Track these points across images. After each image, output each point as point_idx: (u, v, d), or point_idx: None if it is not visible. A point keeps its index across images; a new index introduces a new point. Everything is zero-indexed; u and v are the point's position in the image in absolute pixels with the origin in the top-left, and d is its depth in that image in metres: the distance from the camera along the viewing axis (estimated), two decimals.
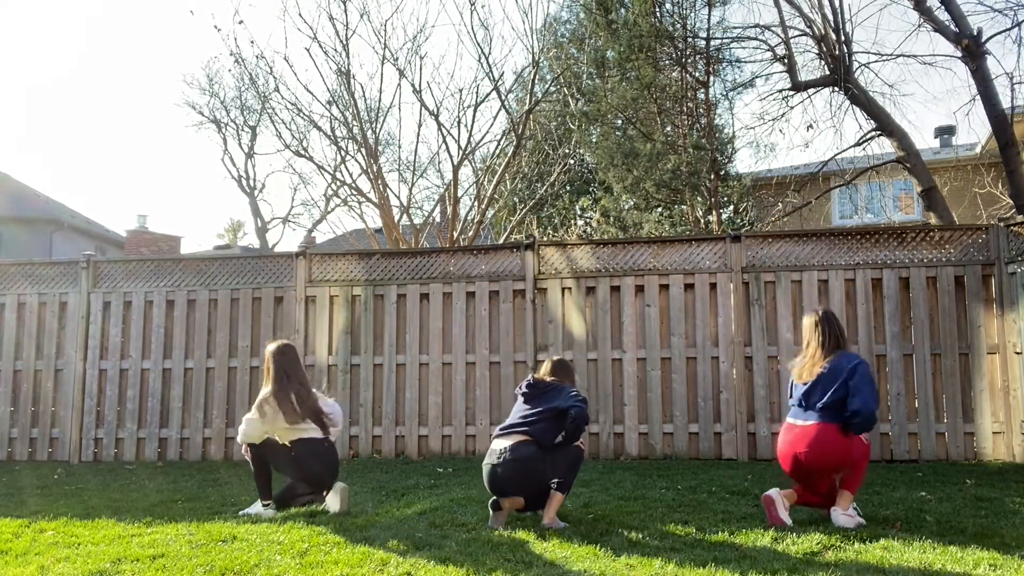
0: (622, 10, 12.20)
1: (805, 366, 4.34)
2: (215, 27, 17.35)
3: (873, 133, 9.41)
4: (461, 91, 16.67)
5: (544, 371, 4.63)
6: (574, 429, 4.30)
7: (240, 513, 4.77)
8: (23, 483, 6.32)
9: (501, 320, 7.24)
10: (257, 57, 16.09)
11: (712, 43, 11.74)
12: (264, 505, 4.82)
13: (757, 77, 12.06)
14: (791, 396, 4.45)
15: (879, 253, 6.83)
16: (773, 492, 4.23)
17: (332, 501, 4.69)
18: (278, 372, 4.83)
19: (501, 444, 4.32)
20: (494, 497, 4.26)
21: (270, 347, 4.98)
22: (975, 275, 6.65)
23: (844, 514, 4.14)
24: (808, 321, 4.46)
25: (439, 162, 18.06)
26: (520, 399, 4.54)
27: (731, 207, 13.67)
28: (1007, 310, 6.51)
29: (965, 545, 3.71)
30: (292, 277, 7.51)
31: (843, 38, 8.98)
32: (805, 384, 4.29)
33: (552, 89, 13.20)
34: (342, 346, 7.39)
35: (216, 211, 61.69)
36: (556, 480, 4.25)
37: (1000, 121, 7.91)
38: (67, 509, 4.99)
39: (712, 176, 11.94)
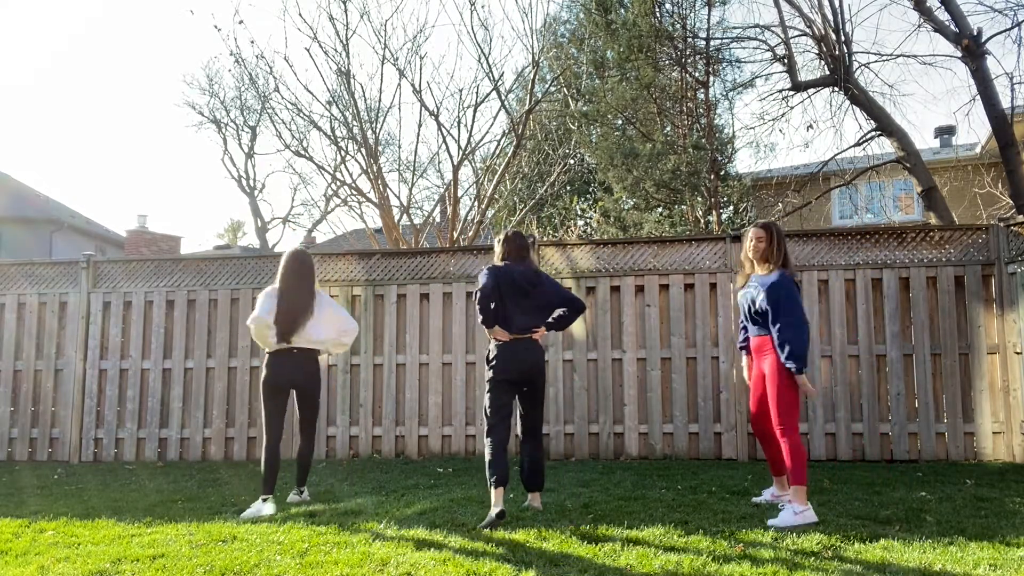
0: (622, 10, 12.21)
1: None
2: (215, 27, 17.32)
3: (873, 133, 9.41)
4: (461, 91, 16.69)
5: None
6: None
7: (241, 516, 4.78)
8: (23, 483, 6.31)
9: None
10: (257, 57, 16.01)
11: (712, 43, 11.73)
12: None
13: (757, 77, 12.08)
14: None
15: (879, 253, 6.83)
16: None
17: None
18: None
19: None
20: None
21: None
22: (975, 275, 6.65)
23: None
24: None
25: (439, 162, 18.06)
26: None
27: (731, 207, 13.65)
28: (1007, 310, 6.51)
29: (965, 545, 3.71)
30: None
31: (843, 38, 8.98)
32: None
33: (552, 89, 13.18)
34: None
35: (216, 211, 61.73)
36: None
37: (1000, 121, 7.92)
38: (67, 509, 5.00)
39: (712, 176, 11.94)
